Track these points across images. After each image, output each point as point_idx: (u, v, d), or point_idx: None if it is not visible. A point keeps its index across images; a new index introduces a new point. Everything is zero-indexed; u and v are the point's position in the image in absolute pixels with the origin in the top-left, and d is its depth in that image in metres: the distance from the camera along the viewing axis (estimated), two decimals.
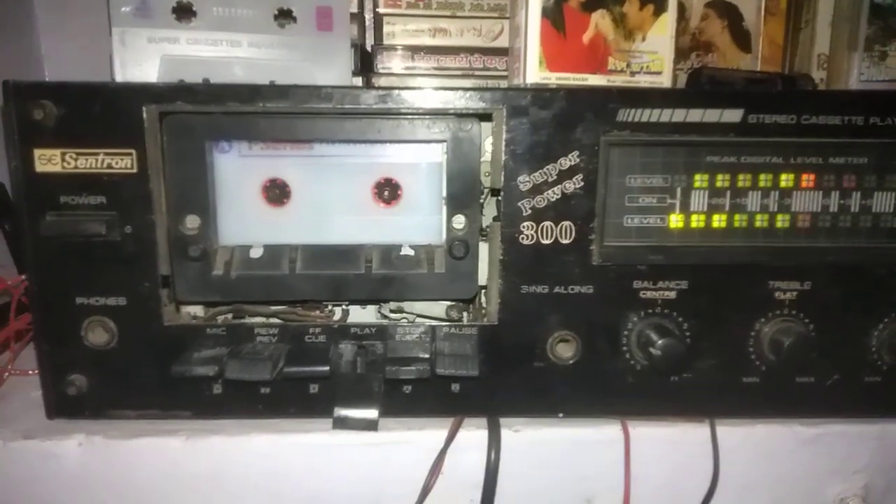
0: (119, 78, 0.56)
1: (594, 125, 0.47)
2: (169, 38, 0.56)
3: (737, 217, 0.50)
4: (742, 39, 0.69)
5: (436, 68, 0.76)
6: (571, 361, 0.50)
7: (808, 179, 0.50)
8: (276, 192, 0.50)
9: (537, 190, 0.48)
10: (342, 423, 0.48)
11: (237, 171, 0.49)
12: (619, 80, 0.53)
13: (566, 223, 0.48)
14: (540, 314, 0.50)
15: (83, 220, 0.47)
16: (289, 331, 0.50)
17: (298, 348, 0.49)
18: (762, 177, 0.49)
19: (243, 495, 0.51)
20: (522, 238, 0.48)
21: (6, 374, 0.56)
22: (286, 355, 0.48)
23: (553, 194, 0.48)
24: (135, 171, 0.47)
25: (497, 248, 0.49)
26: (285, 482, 0.51)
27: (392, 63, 0.77)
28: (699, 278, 0.50)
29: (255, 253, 0.49)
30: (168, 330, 0.49)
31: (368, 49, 0.78)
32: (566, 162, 0.47)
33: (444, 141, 0.47)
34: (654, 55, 0.52)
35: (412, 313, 0.52)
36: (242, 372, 0.46)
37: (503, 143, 0.47)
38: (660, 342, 0.48)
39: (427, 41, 0.76)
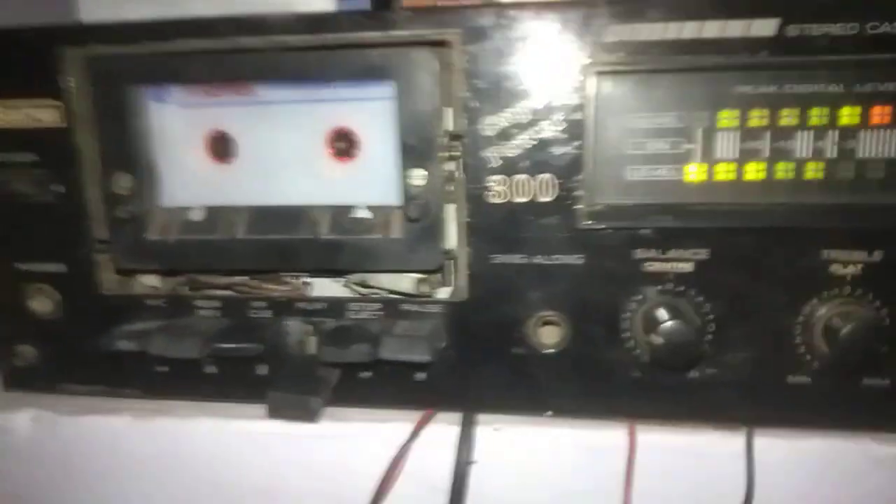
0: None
1: (577, 49, 0.37)
2: None
3: (780, 166, 0.38)
4: None
5: None
6: (558, 349, 0.41)
7: (881, 114, 0.37)
8: (221, 147, 0.44)
9: (507, 135, 0.38)
10: (277, 412, 0.41)
11: (177, 122, 0.44)
12: None
13: (545, 176, 0.39)
14: (517, 290, 0.40)
15: (12, 179, 0.43)
16: (232, 304, 0.44)
17: (240, 323, 0.44)
18: (815, 112, 0.37)
19: (188, 481, 0.46)
20: (491, 196, 0.39)
21: None
22: (224, 331, 0.43)
23: (528, 140, 0.38)
24: (64, 125, 0.42)
25: (462, 209, 0.40)
26: (231, 471, 0.45)
27: None
28: (725, 246, 0.38)
29: (196, 215, 0.44)
30: (108, 300, 0.45)
31: None
32: (542, 98, 0.38)
33: (392, 78, 0.39)
34: None
35: (378, 287, 0.45)
36: (168, 348, 0.41)
37: (462, 75, 0.38)
38: (663, 326, 0.37)
39: None
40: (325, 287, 0.46)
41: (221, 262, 0.43)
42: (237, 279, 0.46)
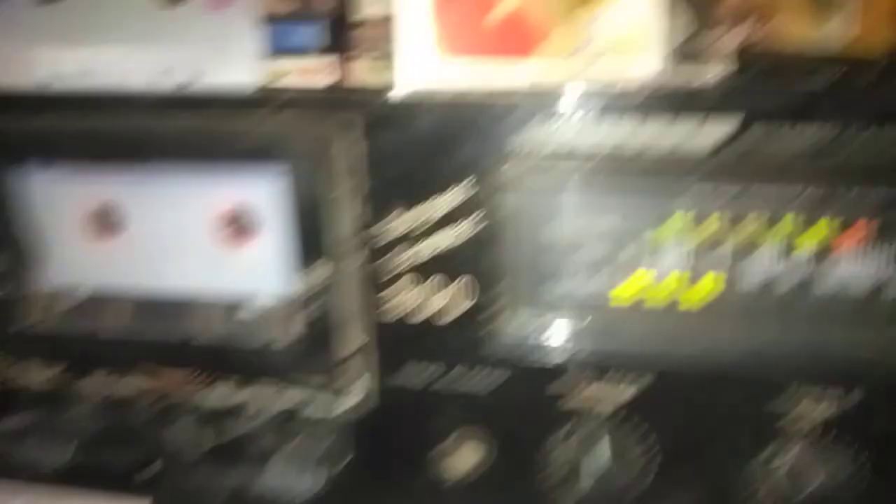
0: None
1: (493, 147, 0.31)
2: (33, 24, 0.46)
3: (729, 285, 0.32)
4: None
5: None
6: (472, 478, 0.35)
7: (856, 235, 0.30)
8: (106, 222, 0.39)
9: (414, 236, 0.33)
10: None
11: (58, 195, 0.39)
12: (567, 66, 0.35)
13: (457, 286, 0.33)
14: (425, 409, 0.35)
15: None
16: (117, 399, 0.39)
17: (125, 422, 0.39)
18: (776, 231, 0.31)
19: None
20: (393, 305, 0.34)
21: None
22: (105, 430, 0.38)
23: (436, 243, 0.33)
24: None
25: (363, 315, 0.34)
26: None
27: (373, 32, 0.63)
28: (669, 377, 0.32)
29: (75, 301, 0.39)
30: None
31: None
32: (453, 199, 0.32)
33: (286, 164, 0.33)
34: (630, 26, 0.34)
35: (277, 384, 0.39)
36: (29, 454, 0.36)
37: (364, 167, 0.32)
38: (590, 466, 0.32)
39: None
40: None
41: (96, 357, 0.39)
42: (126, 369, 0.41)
